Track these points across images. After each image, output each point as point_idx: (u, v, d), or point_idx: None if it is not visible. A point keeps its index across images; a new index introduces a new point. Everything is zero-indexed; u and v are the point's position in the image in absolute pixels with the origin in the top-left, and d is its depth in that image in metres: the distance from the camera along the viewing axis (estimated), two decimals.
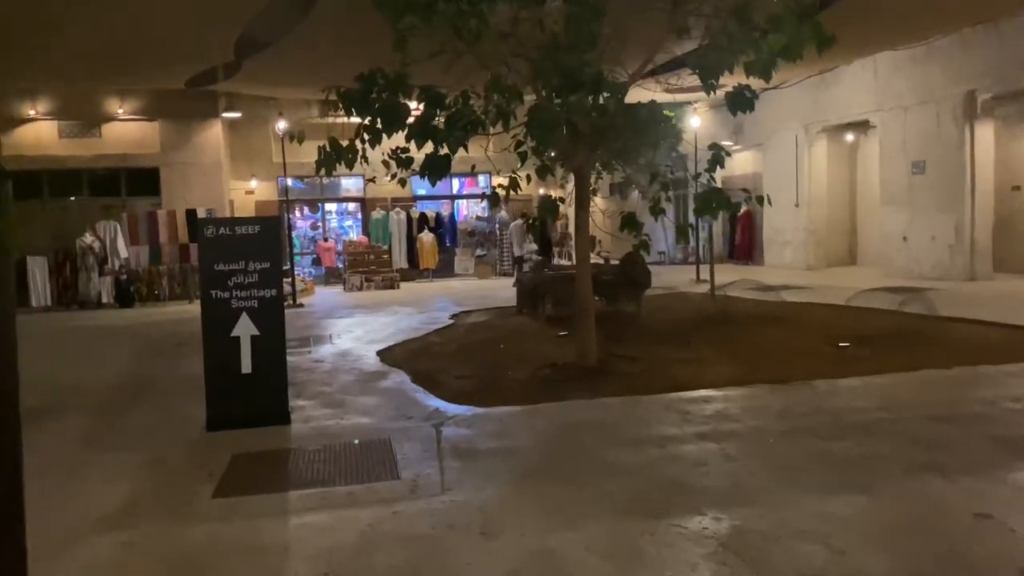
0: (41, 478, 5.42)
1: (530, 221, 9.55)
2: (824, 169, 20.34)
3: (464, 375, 8.63)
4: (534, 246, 21.19)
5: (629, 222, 8.54)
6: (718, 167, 8.33)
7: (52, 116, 17.80)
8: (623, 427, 6.19)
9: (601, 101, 7.80)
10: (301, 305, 16.23)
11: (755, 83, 8.32)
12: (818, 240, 20.25)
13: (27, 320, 15.53)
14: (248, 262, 6.76)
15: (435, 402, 7.38)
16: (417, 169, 7.86)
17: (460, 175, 22.47)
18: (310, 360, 9.94)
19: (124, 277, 17.06)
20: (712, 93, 7.94)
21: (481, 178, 22.92)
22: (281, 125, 16.10)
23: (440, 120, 7.73)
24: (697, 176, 8.49)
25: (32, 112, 17.48)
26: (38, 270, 16.57)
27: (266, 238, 6.85)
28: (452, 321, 13.16)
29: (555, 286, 11.89)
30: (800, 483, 4.72)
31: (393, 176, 8.19)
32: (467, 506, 4.56)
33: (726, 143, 22.97)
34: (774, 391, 7.26)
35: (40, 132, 17.82)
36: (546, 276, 12.01)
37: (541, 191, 26.77)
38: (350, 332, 12.33)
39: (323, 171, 8.28)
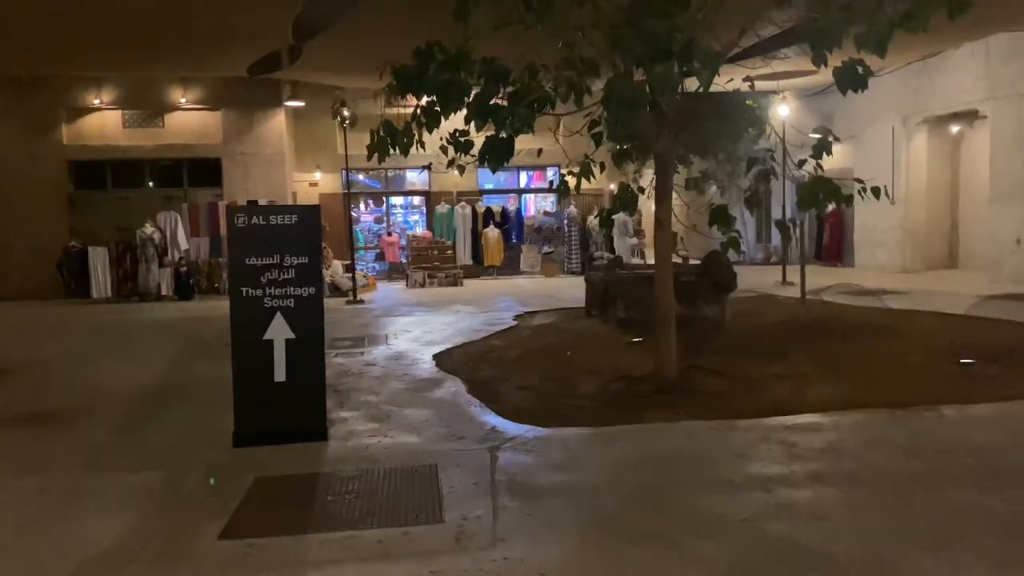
0: (32, 503, 4.71)
1: (602, 214, 8.49)
2: (924, 163, 18.66)
3: (526, 386, 7.69)
4: (634, 240, 20.15)
5: (720, 215, 7.46)
6: (823, 154, 7.21)
7: (116, 106, 17.57)
8: (716, 462, 5.15)
9: (690, 75, 6.72)
10: (361, 301, 15.56)
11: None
12: (916, 241, 18.60)
13: (84, 311, 15.28)
14: (284, 256, 5.97)
15: (492, 418, 6.46)
16: (476, 154, 6.93)
17: (527, 168, 21.56)
18: (361, 363, 9.15)
19: (184, 269, 16.70)
20: (823, 66, 6.78)
21: (549, 171, 21.96)
22: (345, 112, 15.45)
23: (503, 98, 6.79)
24: (802, 163, 7.34)
25: (97, 101, 17.27)
26: (99, 261, 16.32)
27: (305, 229, 6.05)
28: (515, 323, 12.24)
29: (628, 287, 10.84)
30: (962, 556, 3.62)
31: (451, 163, 7.29)
32: (524, 568, 3.61)
33: (814, 135, 21.59)
34: (894, 419, 6.10)
35: (104, 122, 17.61)
36: (619, 276, 10.97)
37: (613, 185, 25.64)
38: (407, 332, 11.53)
39: (376, 156, 7.45)
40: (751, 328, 10.69)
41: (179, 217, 16.94)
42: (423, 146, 7.46)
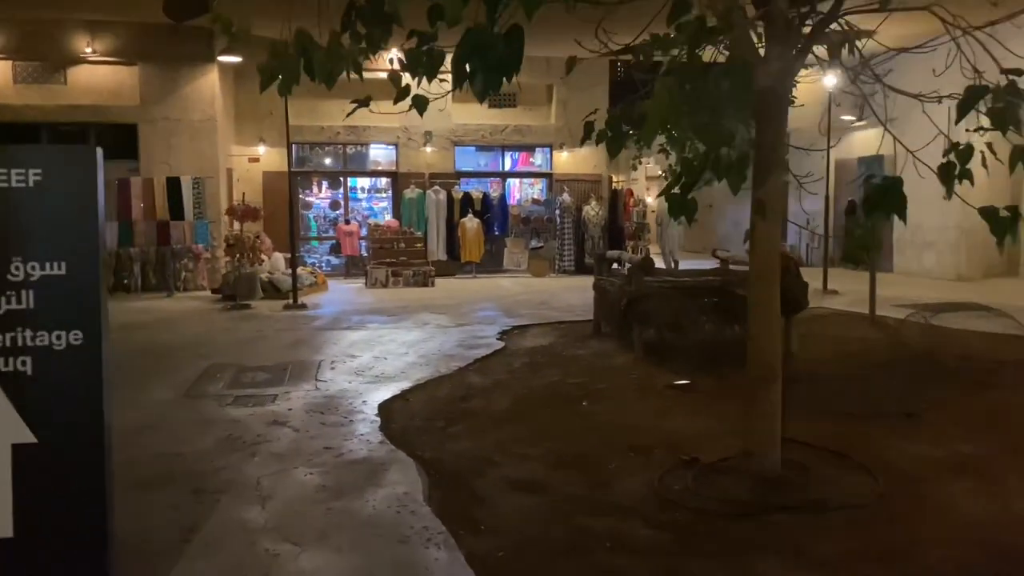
0: None
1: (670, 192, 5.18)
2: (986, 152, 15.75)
3: (526, 481, 4.55)
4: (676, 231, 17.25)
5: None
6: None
7: (5, 55, 14.09)
8: None
9: None
10: (302, 306, 12.32)
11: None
12: (974, 243, 15.65)
13: None
14: (14, 262, 2.74)
15: None
16: (451, 74, 3.76)
17: (511, 148, 18.37)
18: (265, 419, 5.93)
19: None
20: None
21: (539, 154, 18.80)
22: None
23: None
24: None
25: None
26: None
27: (64, 203, 2.82)
28: (501, 343, 9.09)
29: (664, 303, 7.71)
30: None
31: (402, 93, 4.15)
32: None
33: (846, 118, 18.62)
34: None
35: None
36: (649, 286, 7.86)
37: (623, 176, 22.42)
38: (352, 357, 8.32)
39: (276, 88, 4.37)
40: (832, 362, 7.62)
41: None
42: (360, 75, 4.38)
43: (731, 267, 9.76)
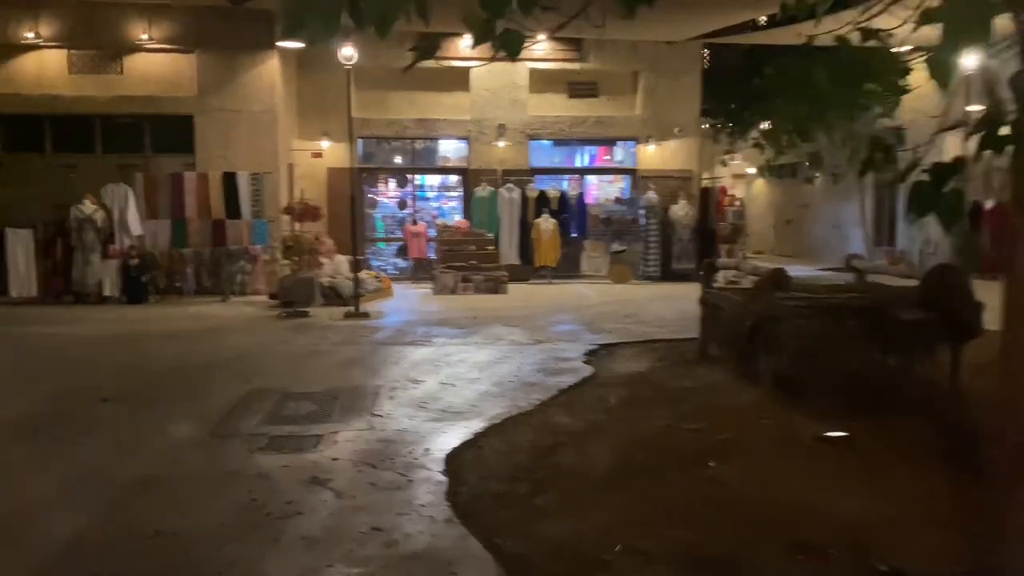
0: None
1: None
2: None
3: None
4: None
5: (931, 198, 2.76)
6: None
7: (60, 43, 13.30)
8: None
9: None
10: (364, 315, 11.12)
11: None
12: None
13: None
14: None
15: None
16: None
17: (590, 141, 16.89)
18: (301, 474, 4.65)
19: (135, 262, 12.43)
20: None
21: (619, 148, 17.27)
22: (347, 53, 10.99)
23: None
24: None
25: (32, 36, 13.02)
26: (21, 248, 12.13)
27: None
28: (589, 367, 7.66)
29: (799, 326, 6.15)
30: None
31: (488, 31, 2.76)
32: None
33: (974, 108, 16.53)
34: None
35: (44, 64, 13.36)
36: (781, 305, 6.32)
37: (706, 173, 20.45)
38: (415, 382, 7.02)
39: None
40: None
41: (131, 192, 12.65)
42: (425, 18, 3.00)
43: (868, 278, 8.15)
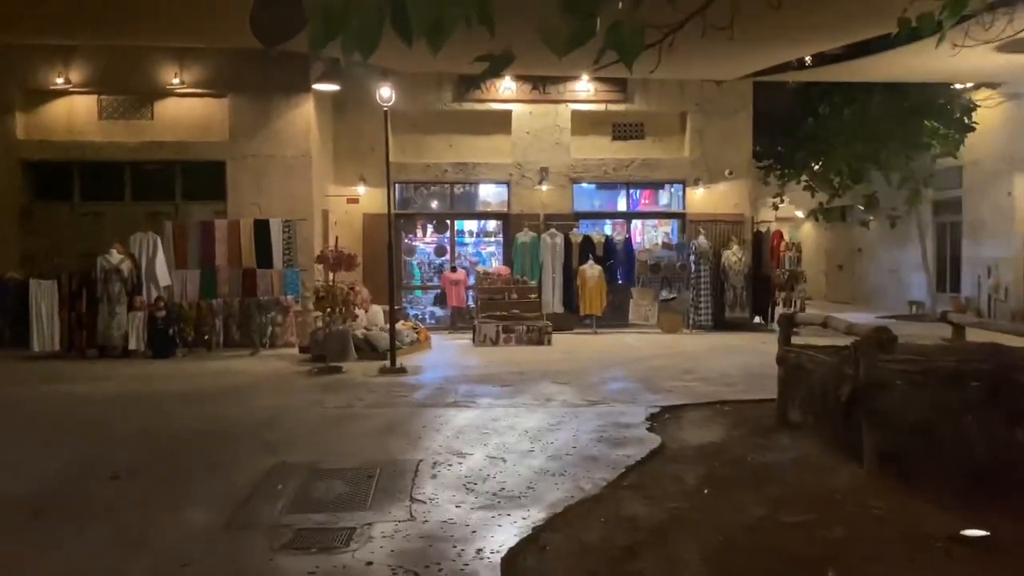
0: None
1: None
2: None
3: None
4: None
5: None
6: None
7: (90, 88, 12.98)
8: None
9: None
10: (401, 370, 10.36)
11: None
12: None
13: (6, 374, 10.49)
14: None
15: None
16: None
17: (635, 184, 16.13)
18: None
19: (162, 314, 11.85)
20: None
21: (664, 191, 16.48)
22: (384, 93, 10.43)
23: None
24: None
25: (60, 80, 12.71)
26: (44, 300, 11.62)
27: None
28: (655, 436, 6.77)
29: (909, 395, 5.24)
30: None
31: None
32: None
33: None
34: None
35: (74, 110, 13.04)
36: (887, 370, 5.42)
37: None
38: (460, 456, 6.20)
39: (340, 45, 2.17)
40: None
41: (159, 241, 12.13)
42: (490, 25, 2.15)
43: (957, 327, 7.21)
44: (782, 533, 4.51)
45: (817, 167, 17.91)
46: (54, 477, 5.81)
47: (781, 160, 18.44)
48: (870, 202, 18.25)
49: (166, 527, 4.72)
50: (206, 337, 12.19)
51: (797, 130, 17.35)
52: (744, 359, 11.36)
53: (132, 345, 11.82)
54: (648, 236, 16.81)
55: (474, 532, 4.55)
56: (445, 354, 12.45)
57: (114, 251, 11.85)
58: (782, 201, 19.47)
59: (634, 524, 4.70)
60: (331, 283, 10.92)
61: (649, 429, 7.07)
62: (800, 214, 23.63)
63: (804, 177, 18.31)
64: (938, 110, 16.22)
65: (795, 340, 7.24)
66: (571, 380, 9.69)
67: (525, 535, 4.51)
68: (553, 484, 5.44)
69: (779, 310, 14.65)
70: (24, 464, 6.15)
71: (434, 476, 5.67)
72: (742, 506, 4.96)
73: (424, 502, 5.09)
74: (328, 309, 10.83)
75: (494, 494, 5.25)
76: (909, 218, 18.63)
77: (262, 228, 12.51)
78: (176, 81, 12.87)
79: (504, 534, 4.53)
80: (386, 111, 10.62)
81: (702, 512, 4.91)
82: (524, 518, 4.77)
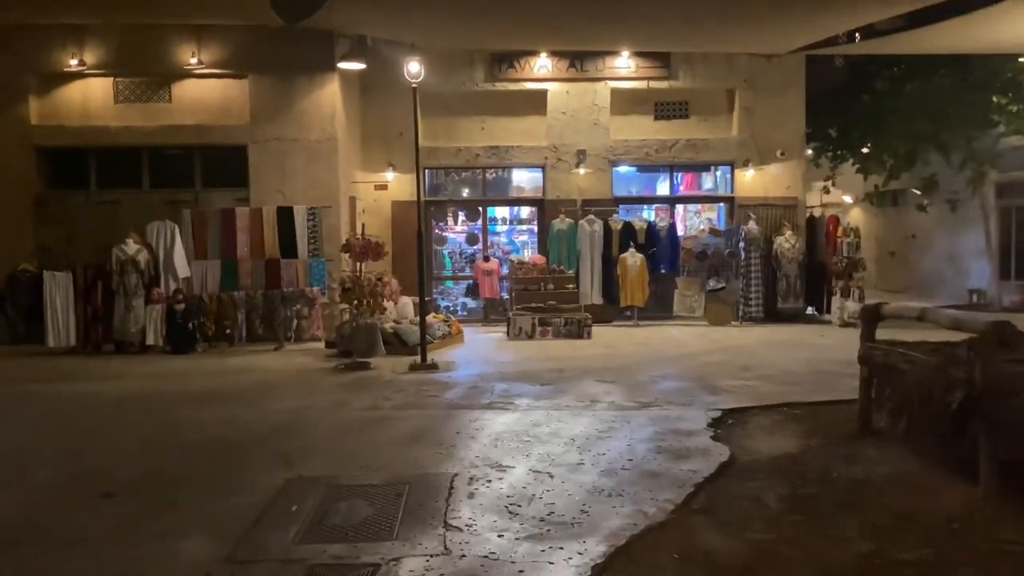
0: None
1: None
2: None
3: None
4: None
5: None
6: None
7: (105, 70, 12.37)
8: None
9: None
10: (432, 366, 9.63)
11: None
12: None
13: (19, 370, 9.90)
14: None
15: None
16: None
17: (679, 166, 15.19)
18: None
19: (182, 306, 11.23)
20: None
21: (707, 175, 15.54)
22: (413, 68, 9.66)
23: None
24: None
25: (74, 63, 12.12)
26: (59, 293, 11.05)
27: None
28: (722, 446, 5.94)
29: None
30: None
31: None
32: None
33: None
34: None
35: (89, 94, 12.45)
36: (1011, 372, 4.55)
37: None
38: (500, 469, 5.42)
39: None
40: None
41: (177, 230, 11.50)
42: None
43: None
44: (896, 572, 3.67)
45: (867, 149, 16.85)
46: (42, 495, 5.15)
47: (831, 142, 17.40)
48: (929, 184, 17.10)
49: (156, 561, 4.00)
50: (227, 331, 11.56)
51: (851, 108, 16.29)
52: (805, 354, 10.45)
53: (150, 340, 11.23)
54: (690, 223, 15.88)
55: (521, 573, 3.77)
56: (478, 348, 11.69)
57: (130, 241, 11.26)
58: (833, 185, 18.41)
59: (712, 561, 3.88)
60: (358, 274, 10.18)
61: (713, 437, 6.23)
62: (848, 199, 22.48)
63: (855, 160, 17.26)
64: (1006, 84, 15.09)
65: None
66: (617, 378, 8.88)
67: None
68: (610, 507, 4.65)
69: (836, 300, 13.69)
70: (10, 480, 5.49)
71: (471, 495, 4.89)
72: (841, 538, 4.13)
73: (460, 529, 4.33)
74: (355, 301, 10.10)
75: (542, 519, 4.46)
76: (971, 201, 17.45)
77: (286, 216, 11.83)
78: (194, 61, 12.22)
79: (557, 574, 3.74)
80: (414, 88, 9.83)
81: (793, 545, 4.07)
82: (580, 553, 3.98)
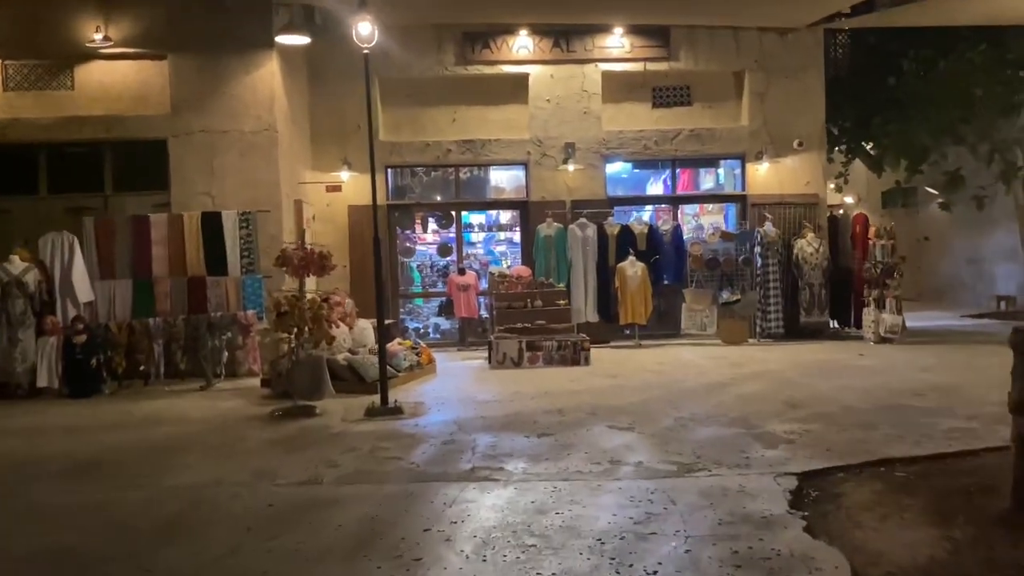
0: None
1: None
2: None
3: None
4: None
5: None
6: None
7: None
8: None
9: None
10: (396, 411, 7.51)
11: None
12: None
13: None
14: None
15: None
16: None
17: (682, 160, 13.20)
18: None
19: (83, 338, 8.99)
20: None
21: (711, 172, 13.61)
22: (364, 30, 7.58)
23: None
24: None
25: None
26: None
27: None
28: (826, 547, 3.88)
29: None
30: None
31: None
32: None
33: None
34: None
35: None
36: None
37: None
38: None
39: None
40: None
41: (76, 243, 9.28)
42: None
43: None
44: None
45: (887, 142, 15.05)
46: None
47: (847, 133, 15.57)
48: (954, 180, 15.28)
49: None
50: (141, 368, 9.34)
51: (867, 95, 14.47)
52: (854, 381, 8.48)
53: (42, 382, 8.99)
54: (689, 225, 13.88)
55: None
56: (454, 382, 9.57)
57: (15, 258, 9.03)
58: (845, 182, 16.61)
59: None
60: (296, 293, 8.02)
61: (806, 529, 4.16)
62: (850, 199, 20.73)
63: (876, 152, 15.44)
64: None
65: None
66: (635, 423, 6.81)
67: None
68: None
69: (869, 312, 11.75)
70: None
71: None
72: None
73: None
74: (294, 329, 7.93)
75: None
76: (998, 199, 15.66)
77: (213, 223, 9.68)
78: (99, 38, 10.03)
79: None
80: (366, 54, 7.72)
81: None
82: None
